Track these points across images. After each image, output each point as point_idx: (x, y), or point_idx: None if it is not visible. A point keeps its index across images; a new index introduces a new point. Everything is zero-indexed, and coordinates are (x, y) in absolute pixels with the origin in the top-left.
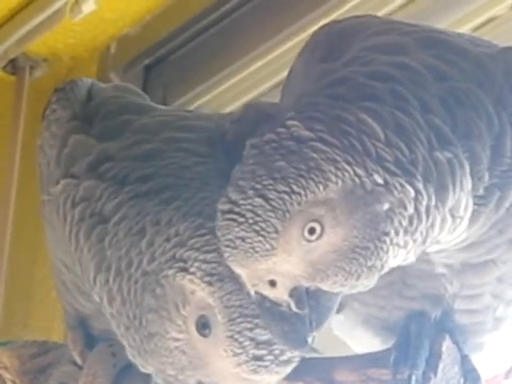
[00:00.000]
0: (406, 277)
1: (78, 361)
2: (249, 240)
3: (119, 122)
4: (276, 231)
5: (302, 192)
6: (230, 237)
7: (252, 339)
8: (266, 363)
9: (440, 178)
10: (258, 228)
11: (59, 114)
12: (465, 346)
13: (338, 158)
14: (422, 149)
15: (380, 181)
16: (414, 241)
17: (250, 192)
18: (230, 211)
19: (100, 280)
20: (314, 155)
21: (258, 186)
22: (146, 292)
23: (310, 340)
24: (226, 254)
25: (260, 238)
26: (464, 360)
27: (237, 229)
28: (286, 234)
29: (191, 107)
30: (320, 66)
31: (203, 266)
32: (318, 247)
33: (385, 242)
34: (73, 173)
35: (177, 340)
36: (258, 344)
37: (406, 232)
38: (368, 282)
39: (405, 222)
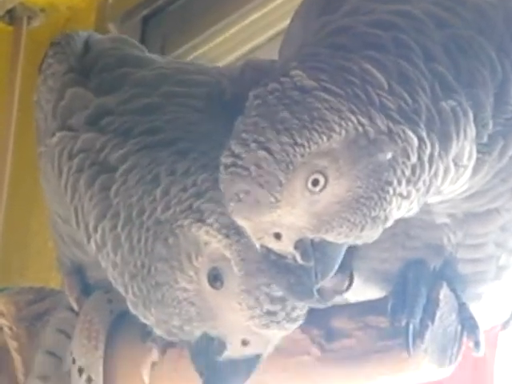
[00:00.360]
0: (409, 228)
1: (75, 307)
2: (253, 193)
3: (117, 74)
4: (280, 184)
5: (306, 143)
6: (233, 190)
7: (267, 294)
8: (279, 319)
9: (444, 126)
10: (261, 181)
11: (55, 68)
12: (463, 293)
13: (342, 108)
14: (425, 98)
15: (383, 128)
16: (417, 190)
17: (253, 145)
18: (234, 164)
19: (104, 227)
20: (318, 105)
21: (261, 139)
22: (158, 241)
23: (315, 291)
24: (230, 208)
25: (264, 191)
26: (462, 308)
27: (240, 182)
28: (290, 187)
29: (189, 58)
30: (319, 18)
31: (221, 219)
32: (321, 199)
33: (388, 191)
34: (69, 125)
35: (186, 291)
36: (273, 300)
37: (408, 182)
38: (372, 234)
39: (407, 172)
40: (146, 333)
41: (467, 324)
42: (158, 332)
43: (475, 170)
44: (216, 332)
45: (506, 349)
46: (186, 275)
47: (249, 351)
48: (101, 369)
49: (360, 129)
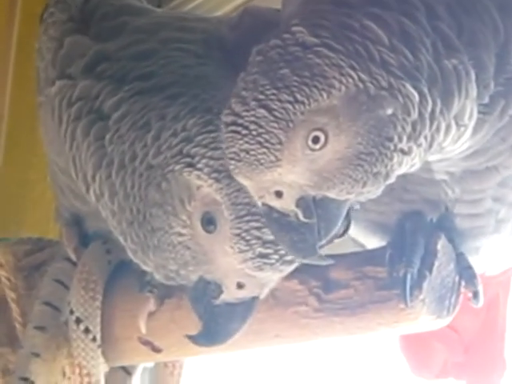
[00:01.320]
0: (407, 183)
1: (73, 257)
2: (253, 152)
3: (116, 23)
4: (280, 142)
5: (306, 101)
6: (234, 149)
7: (259, 238)
8: (272, 261)
9: (446, 83)
10: (261, 140)
11: (57, 17)
12: (460, 243)
13: (343, 64)
14: (427, 55)
15: (384, 84)
16: (418, 146)
17: (253, 103)
18: (234, 123)
19: (101, 176)
20: (319, 61)
21: (261, 97)
22: (151, 186)
23: (318, 248)
24: (231, 167)
25: (264, 150)
26: (459, 258)
27: (241, 141)
28: (290, 145)
29: (186, 8)
30: None
31: (211, 163)
32: (322, 156)
33: (389, 147)
34: (68, 74)
35: (181, 235)
36: (265, 243)
37: (409, 138)
38: (375, 190)
39: (408, 128)
40: (143, 283)
41: (465, 274)
42: (157, 277)
43: (475, 130)
44: (211, 276)
45: None
46: (179, 220)
47: (244, 294)
48: (98, 319)
49: (360, 85)
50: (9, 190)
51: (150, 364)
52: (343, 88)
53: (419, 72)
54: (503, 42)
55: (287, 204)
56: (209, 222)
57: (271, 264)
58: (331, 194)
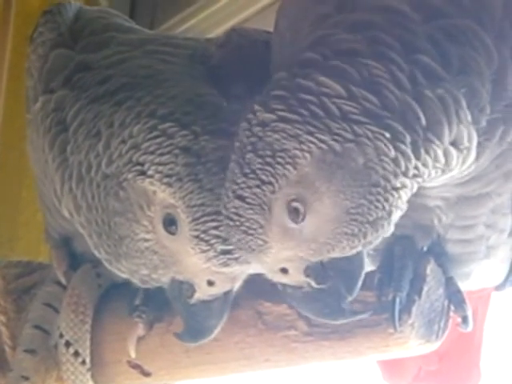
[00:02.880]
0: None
1: (63, 280)
2: (243, 241)
3: (103, 37)
4: (261, 226)
5: (273, 180)
6: (232, 240)
7: (218, 236)
8: (235, 255)
9: (429, 113)
10: (245, 228)
11: (46, 36)
12: (450, 268)
13: (300, 132)
14: (397, 91)
15: (348, 136)
16: (412, 177)
17: (231, 195)
18: (224, 215)
19: (65, 190)
20: (276, 136)
21: (235, 187)
22: (110, 196)
23: (346, 306)
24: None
25: (250, 237)
26: (449, 282)
27: (232, 232)
28: (272, 225)
29: (178, 30)
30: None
31: (160, 168)
32: (310, 223)
33: (378, 192)
34: (51, 88)
35: (146, 240)
36: (225, 240)
37: (396, 175)
38: (382, 233)
39: (390, 166)
40: (132, 307)
41: (454, 298)
42: (134, 281)
43: (478, 154)
44: (182, 276)
45: (497, 308)
46: (142, 226)
47: (216, 290)
48: (88, 343)
49: (323, 146)
50: (0, 211)
51: None
52: (307, 155)
53: (387, 110)
54: (497, 67)
55: (296, 277)
56: (170, 223)
57: (236, 258)
58: (336, 255)
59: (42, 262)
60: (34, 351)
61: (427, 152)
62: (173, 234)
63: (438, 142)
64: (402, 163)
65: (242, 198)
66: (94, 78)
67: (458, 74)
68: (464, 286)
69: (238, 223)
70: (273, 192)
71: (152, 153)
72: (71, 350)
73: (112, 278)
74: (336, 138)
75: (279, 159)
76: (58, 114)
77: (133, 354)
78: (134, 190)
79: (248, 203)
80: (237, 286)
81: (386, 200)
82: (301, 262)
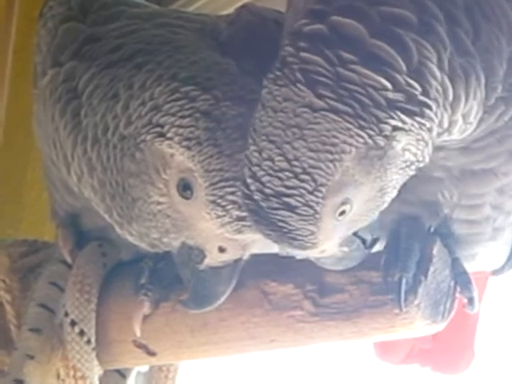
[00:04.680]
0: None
1: (68, 259)
2: (291, 243)
3: (114, 11)
4: (312, 233)
5: (324, 181)
6: (273, 240)
7: (234, 202)
8: (250, 223)
9: (456, 89)
10: (294, 235)
11: (56, 11)
12: (456, 249)
13: (350, 126)
14: (439, 74)
15: (395, 123)
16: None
17: (274, 200)
18: (260, 218)
19: (78, 153)
20: (328, 126)
21: (281, 189)
22: (126, 157)
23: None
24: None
25: (299, 242)
26: (455, 263)
27: (274, 237)
28: (322, 231)
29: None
30: None
31: (180, 131)
32: (351, 213)
33: (408, 167)
34: (60, 61)
35: (159, 203)
36: (241, 206)
37: (418, 145)
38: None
39: (421, 144)
40: (138, 286)
41: (460, 279)
42: (142, 245)
43: (476, 126)
44: (193, 241)
45: (493, 293)
46: (156, 188)
47: (227, 257)
48: (93, 322)
49: (370, 142)
50: (5, 191)
51: (145, 367)
52: (353, 149)
53: (428, 96)
54: None
55: (332, 251)
56: (185, 188)
57: (249, 225)
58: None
59: (47, 241)
60: (39, 330)
61: (442, 121)
62: (187, 198)
63: (451, 114)
64: (427, 138)
65: (291, 209)
66: (104, 47)
67: (483, 50)
68: (469, 267)
69: (285, 231)
70: (324, 198)
71: (173, 115)
72: (76, 329)
73: (117, 257)
74: (383, 128)
75: (329, 155)
76: (69, 84)
77: (138, 333)
78: (151, 152)
79: (299, 214)
80: (247, 254)
81: (418, 165)
82: (337, 240)
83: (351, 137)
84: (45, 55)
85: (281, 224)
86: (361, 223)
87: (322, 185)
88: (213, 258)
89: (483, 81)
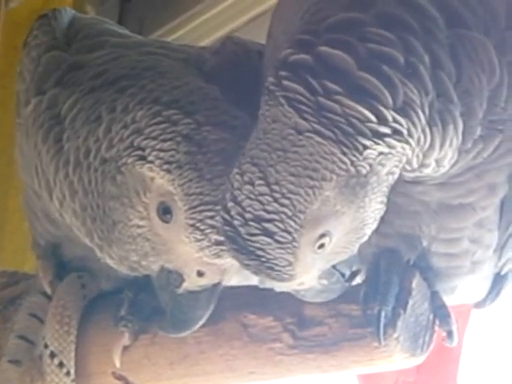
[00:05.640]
0: (384, 212)
1: (48, 290)
2: (268, 274)
3: (98, 40)
4: (289, 264)
5: (303, 208)
6: (250, 270)
7: (213, 226)
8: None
9: (432, 137)
10: (271, 265)
11: (40, 40)
12: (436, 282)
13: (335, 150)
14: (422, 117)
15: (375, 157)
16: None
17: (254, 225)
18: (238, 246)
19: (60, 178)
20: (311, 150)
21: (261, 214)
22: (107, 180)
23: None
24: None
25: (276, 273)
26: (434, 296)
27: (251, 266)
28: (299, 262)
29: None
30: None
31: (161, 155)
32: (331, 245)
33: (384, 194)
34: (43, 90)
35: (139, 227)
36: (219, 230)
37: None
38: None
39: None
40: (118, 318)
41: (439, 313)
42: (121, 269)
43: (451, 166)
44: (172, 265)
45: (476, 325)
46: (136, 212)
47: (205, 281)
48: (73, 354)
49: (352, 169)
50: None
51: None
52: (334, 177)
53: (411, 136)
54: (497, 83)
55: (311, 284)
56: (165, 212)
57: (228, 250)
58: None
59: (27, 273)
60: (18, 362)
61: (411, 161)
62: (167, 222)
63: (422, 159)
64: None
65: (270, 235)
66: (87, 73)
67: (464, 93)
68: (448, 300)
69: (263, 260)
70: (302, 225)
71: (154, 138)
72: (56, 361)
73: (96, 289)
74: (367, 155)
75: (309, 180)
76: (52, 111)
77: (118, 364)
78: (132, 175)
79: (278, 241)
80: (226, 279)
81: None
82: (316, 273)
83: (333, 163)
84: (28, 84)
85: (259, 253)
86: (341, 256)
87: (301, 211)
88: (191, 282)
89: (461, 127)
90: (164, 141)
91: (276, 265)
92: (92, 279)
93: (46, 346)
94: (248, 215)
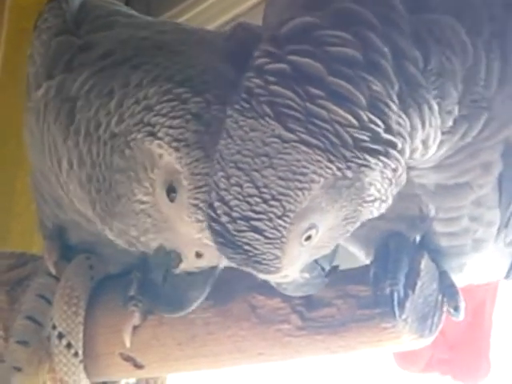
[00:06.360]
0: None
1: (52, 271)
2: (255, 267)
3: (108, 20)
4: (277, 257)
5: (293, 207)
6: (237, 261)
7: None
8: None
9: (411, 122)
10: (258, 259)
11: (50, 23)
12: (443, 262)
13: (321, 158)
14: (394, 107)
15: (360, 162)
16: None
17: (242, 223)
18: (225, 241)
19: (69, 145)
20: (298, 157)
21: (250, 215)
22: (115, 153)
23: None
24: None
25: (264, 266)
26: (442, 276)
27: (238, 261)
28: (286, 255)
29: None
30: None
31: (170, 132)
32: (315, 239)
33: (373, 200)
34: (54, 74)
35: (143, 202)
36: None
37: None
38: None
39: (386, 181)
40: (127, 298)
41: (448, 292)
42: (119, 242)
43: (437, 148)
44: (171, 244)
45: (505, 297)
46: (142, 187)
47: (203, 263)
48: (81, 335)
49: (338, 173)
50: None
51: (132, 380)
52: (322, 180)
53: (390, 132)
54: (472, 64)
55: (294, 277)
56: (170, 190)
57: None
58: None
59: (34, 254)
60: (26, 342)
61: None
62: (171, 200)
63: (411, 143)
64: (392, 176)
65: (259, 232)
66: (100, 51)
67: (434, 76)
68: (458, 279)
69: (251, 254)
70: (291, 223)
71: (164, 115)
72: (64, 342)
73: (104, 270)
74: (350, 164)
75: (298, 183)
76: (63, 94)
77: (128, 344)
78: (141, 151)
79: (266, 237)
80: (223, 263)
81: (381, 204)
82: (299, 266)
83: (321, 168)
84: (38, 67)
85: (246, 247)
86: (323, 250)
87: (291, 211)
88: (189, 263)
89: (436, 108)
90: (173, 118)
91: (264, 259)
92: (100, 261)
93: (53, 327)
94: (235, 214)
